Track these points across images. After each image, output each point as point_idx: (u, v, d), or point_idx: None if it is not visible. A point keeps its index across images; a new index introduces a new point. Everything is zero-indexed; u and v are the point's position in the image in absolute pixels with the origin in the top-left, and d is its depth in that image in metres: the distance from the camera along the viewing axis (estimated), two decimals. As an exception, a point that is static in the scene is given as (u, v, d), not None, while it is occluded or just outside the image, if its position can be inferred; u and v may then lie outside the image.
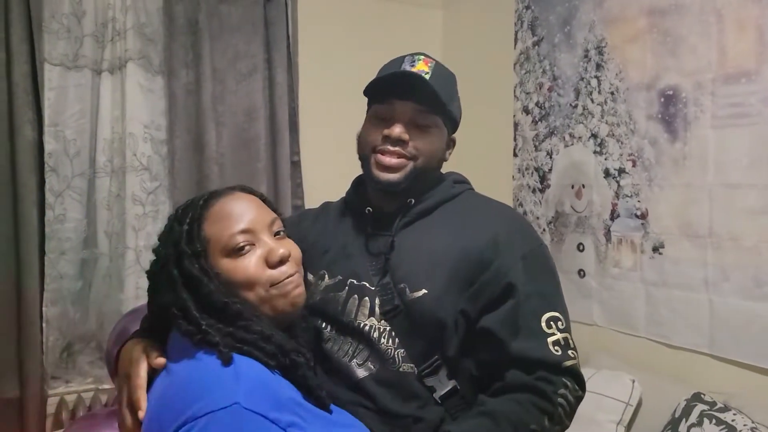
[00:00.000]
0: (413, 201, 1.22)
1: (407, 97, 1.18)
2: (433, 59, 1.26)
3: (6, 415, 2.30)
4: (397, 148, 1.18)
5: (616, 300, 2.33)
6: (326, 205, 1.41)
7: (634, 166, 2.26)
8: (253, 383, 0.85)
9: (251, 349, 0.88)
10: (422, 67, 1.20)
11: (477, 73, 3.05)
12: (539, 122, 2.68)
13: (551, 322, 1.13)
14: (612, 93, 2.34)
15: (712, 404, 1.81)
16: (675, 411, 1.88)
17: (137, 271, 2.52)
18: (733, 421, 1.71)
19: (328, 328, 1.23)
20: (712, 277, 2.00)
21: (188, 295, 0.90)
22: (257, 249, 0.95)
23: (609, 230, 2.36)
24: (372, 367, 1.16)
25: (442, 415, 1.13)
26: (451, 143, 1.29)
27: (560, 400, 1.09)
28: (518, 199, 2.79)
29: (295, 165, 2.84)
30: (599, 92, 2.39)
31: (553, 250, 2.59)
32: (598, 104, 2.40)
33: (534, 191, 2.71)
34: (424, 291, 1.14)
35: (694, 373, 2.03)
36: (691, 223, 2.07)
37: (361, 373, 1.16)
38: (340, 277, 1.23)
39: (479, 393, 1.13)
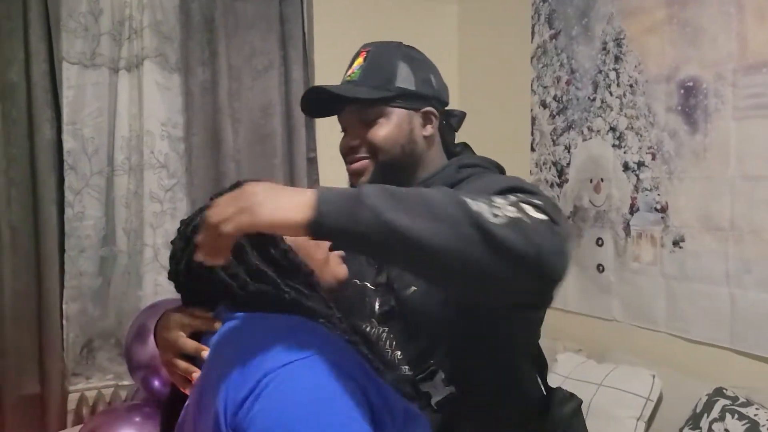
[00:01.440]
0: None
1: (342, 107, 1.17)
2: (372, 44, 1.20)
3: (28, 411, 2.33)
4: (355, 156, 1.16)
5: (636, 295, 2.31)
6: None
7: (653, 159, 2.23)
8: (326, 337, 0.85)
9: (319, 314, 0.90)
10: (358, 63, 1.17)
11: (493, 67, 3.03)
12: (557, 116, 2.66)
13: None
14: (631, 85, 2.31)
15: (734, 399, 1.79)
16: (696, 406, 1.85)
17: (155, 268, 2.53)
18: (755, 415, 1.68)
19: None
20: (733, 271, 1.97)
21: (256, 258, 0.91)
22: None
23: (628, 224, 2.33)
24: None
25: (439, 426, 1.01)
26: (428, 117, 1.17)
27: (512, 195, 0.85)
28: (536, 194, 2.77)
29: (311, 161, 2.84)
30: (618, 85, 2.36)
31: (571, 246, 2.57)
32: (616, 97, 2.37)
33: (552, 186, 2.69)
34: (413, 288, 1.07)
35: (715, 368, 2.00)
36: (711, 216, 2.04)
37: None
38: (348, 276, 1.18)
39: (497, 401, 1.05)
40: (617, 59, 2.36)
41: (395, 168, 1.13)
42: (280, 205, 0.75)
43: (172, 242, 0.98)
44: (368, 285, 1.13)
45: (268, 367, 0.79)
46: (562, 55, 2.62)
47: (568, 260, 0.80)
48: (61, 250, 2.40)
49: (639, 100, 2.28)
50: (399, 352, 1.07)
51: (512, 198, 0.81)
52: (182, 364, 0.93)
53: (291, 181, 2.78)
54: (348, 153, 1.17)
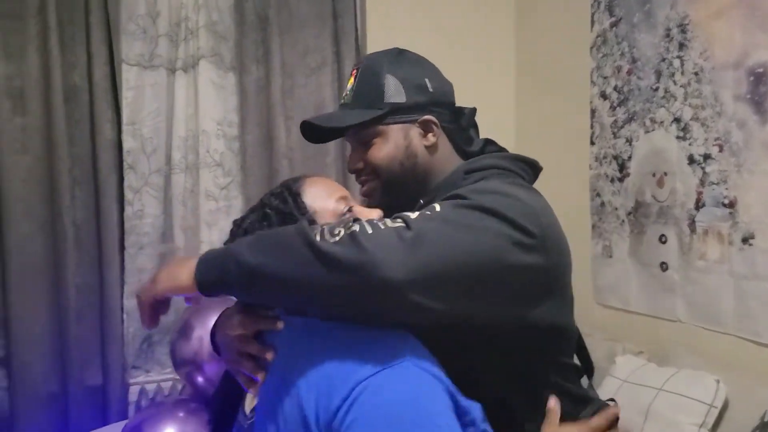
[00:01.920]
0: (422, 202, 1.12)
1: (338, 135, 1.18)
2: (363, 60, 1.17)
3: (90, 402, 2.43)
4: (361, 177, 1.16)
5: (702, 294, 2.18)
6: None
7: (720, 151, 2.10)
8: (414, 342, 0.85)
9: None
10: (350, 83, 1.16)
11: (551, 58, 2.94)
12: (618, 108, 2.54)
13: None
14: (696, 73, 2.18)
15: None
16: (765, 414, 1.73)
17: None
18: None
19: None
20: (809, 271, 1.84)
21: None
22: (354, 214, 1.00)
23: (694, 220, 2.21)
24: None
25: None
26: (427, 126, 1.12)
27: (352, 224, 0.87)
28: (595, 190, 2.67)
29: (365, 158, 2.83)
30: (682, 73, 2.24)
31: (632, 242, 2.46)
32: (681, 86, 2.25)
33: (612, 181, 2.58)
34: None
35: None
36: (784, 212, 1.90)
37: None
38: None
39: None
40: (681, 46, 2.24)
41: (400, 184, 1.11)
42: (174, 275, 0.90)
43: (225, 243, 0.98)
44: None
45: (360, 376, 0.79)
46: (623, 43, 2.51)
47: (408, 264, 0.81)
48: (122, 247, 2.48)
49: (705, 88, 2.15)
50: None
51: (373, 220, 0.87)
52: (249, 364, 0.95)
53: (344, 178, 2.78)
54: (355, 174, 1.17)
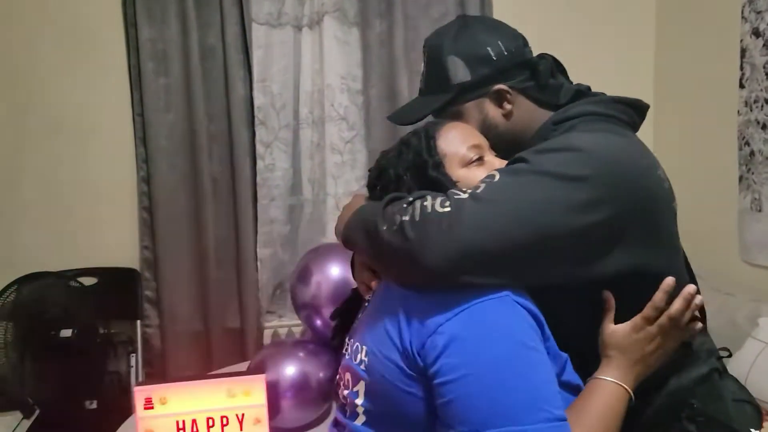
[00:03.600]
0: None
1: (421, 119, 1.20)
2: (427, 42, 1.19)
3: (229, 343, 2.62)
4: None
5: None
6: None
7: None
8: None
9: None
10: (423, 68, 1.19)
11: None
12: (773, 45, 2.28)
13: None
14: None
15: None
16: None
17: (337, 216, 2.66)
18: None
19: None
20: None
21: None
22: (484, 164, 1.04)
23: None
24: None
25: None
26: (499, 96, 1.11)
27: (416, 201, 0.92)
28: (744, 137, 2.43)
29: (488, 108, 2.76)
30: None
31: (786, 195, 2.23)
32: None
33: (764, 127, 2.33)
34: None
35: None
36: None
37: None
38: None
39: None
40: None
41: (496, 151, 1.09)
42: (338, 225, 1.09)
43: (369, 170, 1.13)
44: None
45: (463, 301, 0.86)
46: (781, -29, 2.23)
47: (446, 251, 0.85)
48: (254, 199, 2.62)
49: None
50: None
51: (431, 196, 0.91)
52: (366, 273, 1.07)
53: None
54: None
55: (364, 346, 0.96)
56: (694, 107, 2.70)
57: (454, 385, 0.83)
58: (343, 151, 2.68)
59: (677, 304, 0.97)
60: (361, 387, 0.95)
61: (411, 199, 0.92)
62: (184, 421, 1.50)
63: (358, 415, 0.96)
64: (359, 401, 0.95)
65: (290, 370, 1.56)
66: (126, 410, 1.98)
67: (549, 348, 0.90)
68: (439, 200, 0.89)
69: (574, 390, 0.93)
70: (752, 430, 1.03)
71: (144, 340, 2.58)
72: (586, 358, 0.97)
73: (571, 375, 0.95)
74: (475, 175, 1.00)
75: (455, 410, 0.82)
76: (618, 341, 0.96)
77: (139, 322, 2.59)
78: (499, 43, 1.12)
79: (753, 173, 2.39)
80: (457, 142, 1.03)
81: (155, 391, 1.51)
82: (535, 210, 0.88)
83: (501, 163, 1.02)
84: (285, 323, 2.72)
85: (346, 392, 0.99)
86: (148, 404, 1.50)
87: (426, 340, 0.85)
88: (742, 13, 2.42)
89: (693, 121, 2.72)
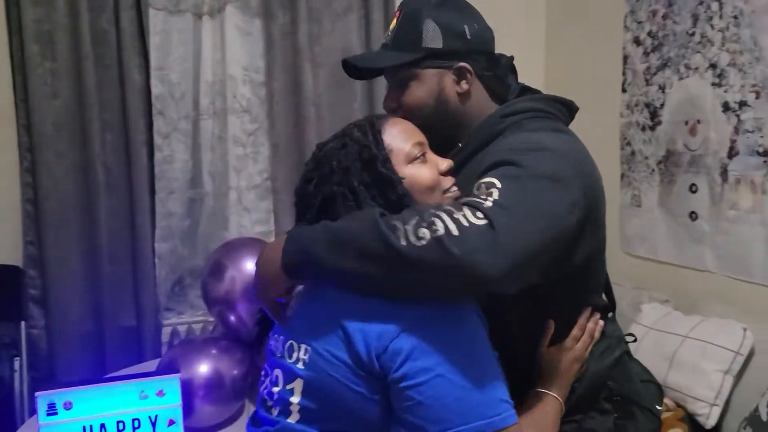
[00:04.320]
0: (460, 145, 1.15)
1: (378, 74, 1.22)
2: (407, 2, 1.17)
3: (125, 342, 2.50)
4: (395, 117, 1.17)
5: (732, 245, 2.16)
6: None
7: (757, 98, 2.05)
8: None
9: None
10: (393, 24, 1.18)
11: (583, 3, 2.86)
12: (651, 54, 2.48)
13: (482, 185, 0.95)
14: (735, 17, 2.11)
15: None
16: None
17: (239, 210, 2.62)
18: None
19: None
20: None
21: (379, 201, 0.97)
22: (426, 162, 1.04)
23: (726, 169, 2.17)
24: None
25: None
26: (461, 73, 1.13)
27: (440, 212, 0.89)
28: (626, 138, 2.63)
29: (391, 105, 2.81)
30: (720, 17, 2.17)
31: (662, 192, 2.44)
32: (718, 30, 2.18)
33: (644, 129, 2.54)
34: None
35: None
36: (821, 160, 1.86)
37: None
38: None
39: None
40: (721, -11, 2.16)
41: (430, 127, 1.11)
42: (268, 262, 0.98)
43: (306, 163, 1.07)
44: None
45: (415, 312, 0.88)
46: (660, -14, 2.43)
47: (501, 261, 0.85)
48: (152, 192, 2.51)
49: (744, 33, 2.08)
50: None
51: (450, 209, 0.89)
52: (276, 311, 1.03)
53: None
54: (389, 113, 1.19)
55: (302, 345, 0.95)
56: (580, 109, 2.87)
57: (424, 387, 0.85)
58: (245, 143, 2.63)
59: (591, 324, 1.11)
60: (297, 385, 0.94)
61: (417, 214, 0.89)
62: (91, 426, 1.42)
63: (291, 413, 0.95)
64: (294, 399, 0.94)
65: (203, 368, 1.52)
66: (8, 418, 1.84)
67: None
68: (467, 212, 0.88)
69: None
70: (657, 406, 1.14)
71: (29, 343, 2.41)
72: (527, 374, 1.07)
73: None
74: (420, 172, 1.01)
75: (426, 411, 0.85)
76: (553, 361, 1.08)
77: (23, 323, 2.41)
78: (476, 25, 1.15)
79: (633, 171, 2.59)
80: (402, 138, 1.03)
81: (59, 395, 1.42)
82: (548, 212, 0.92)
83: (443, 161, 1.05)
84: (185, 320, 2.64)
85: (275, 390, 0.98)
86: (52, 410, 1.41)
87: (388, 344, 0.87)
88: (625, 22, 2.61)
89: (579, 121, 2.89)
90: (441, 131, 1.13)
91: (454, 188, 1.04)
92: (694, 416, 1.96)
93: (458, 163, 1.11)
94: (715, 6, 2.18)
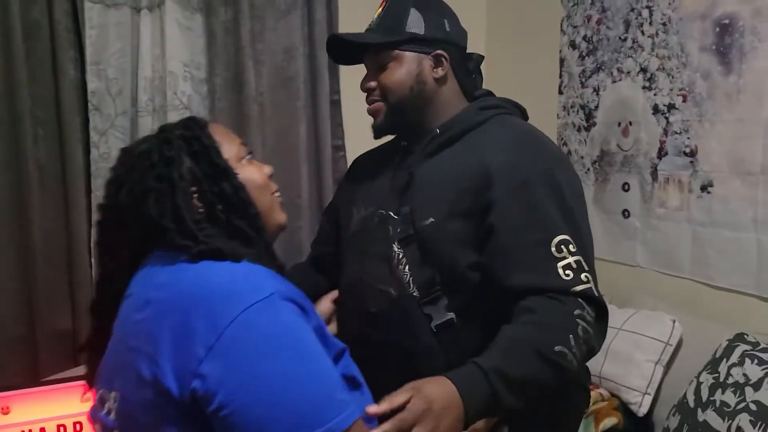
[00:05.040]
0: (438, 132, 1.23)
1: (361, 53, 1.29)
2: None
3: (60, 346, 2.41)
4: (371, 97, 1.29)
5: (661, 241, 2.27)
6: (381, 145, 1.47)
7: (684, 101, 2.16)
8: (279, 277, 0.88)
9: (261, 257, 0.92)
10: (377, 12, 1.27)
11: (522, 6, 2.93)
12: (586, 57, 2.58)
13: (561, 246, 1.08)
14: (664, 24, 2.22)
15: (755, 344, 1.77)
16: (716, 351, 1.84)
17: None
18: (776, 361, 1.66)
19: (357, 256, 1.30)
20: (762, 216, 1.92)
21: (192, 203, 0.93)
22: (252, 162, 1.05)
23: (656, 169, 2.28)
24: (393, 292, 1.20)
25: (432, 345, 1.17)
26: (438, 60, 1.25)
27: (579, 320, 1.03)
28: (562, 138, 2.72)
29: (335, 104, 2.81)
30: (650, 23, 2.27)
31: (596, 191, 2.53)
32: (648, 36, 2.28)
33: (579, 130, 2.63)
34: (431, 220, 1.18)
35: (738, 314, 1.97)
36: (742, 160, 1.98)
37: (376, 303, 1.23)
38: (371, 208, 1.30)
39: (493, 334, 1.10)
40: (651, -4, 2.27)
41: (405, 109, 1.24)
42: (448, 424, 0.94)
43: (112, 168, 1.00)
44: (391, 214, 1.24)
45: (227, 315, 0.79)
46: (594, -8, 2.52)
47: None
48: (88, 190, 2.44)
49: (672, 39, 2.19)
50: (411, 275, 1.18)
51: (583, 316, 1.06)
52: None
53: (314, 123, 2.76)
54: (366, 93, 1.30)
55: (112, 392, 0.88)
56: (519, 109, 2.96)
57: (243, 411, 0.77)
58: (186, 141, 2.58)
59: None
60: None
61: (570, 334, 1.04)
62: (31, 431, 1.38)
63: None
64: None
65: (147, 369, 1.48)
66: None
67: (326, 336, 0.90)
68: (590, 309, 1.08)
69: (350, 381, 0.92)
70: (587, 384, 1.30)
71: (-45, 348, 2.30)
72: None
73: (347, 367, 0.94)
74: (251, 170, 1.02)
75: None
76: None
77: (-52, 328, 2.30)
78: (453, 22, 1.28)
79: (569, 171, 2.68)
80: (228, 137, 1.04)
81: (-6, 400, 1.37)
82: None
83: (266, 166, 1.08)
84: (122, 322, 2.57)
85: None
86: (-13, 415, 1.36)
87: (196, 369, 0.78)
88: (561, 26, 2.70)
89: (518, 122, 2.99)
90: (411, 113, 1.24)
91: (278, 192, 1.08)
92: (627, 405, 2.05)
93: (436, 146, 1.22)
94: (645, 13, 2.29)
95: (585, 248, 1.12)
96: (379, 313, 1.23)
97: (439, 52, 1.24)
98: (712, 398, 1.73)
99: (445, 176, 1.20)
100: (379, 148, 1.46)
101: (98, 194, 2.46)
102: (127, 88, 2.51)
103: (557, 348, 1.01)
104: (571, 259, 1.07)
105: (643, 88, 2.31)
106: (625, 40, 2.38)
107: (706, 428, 1.69)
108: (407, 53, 1.24)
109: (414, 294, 1.18)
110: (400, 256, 1.20)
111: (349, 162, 2.81)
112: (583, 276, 1.08)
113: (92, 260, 2.45)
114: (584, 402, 1.34)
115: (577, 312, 1.04)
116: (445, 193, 1.18)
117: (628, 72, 2.37)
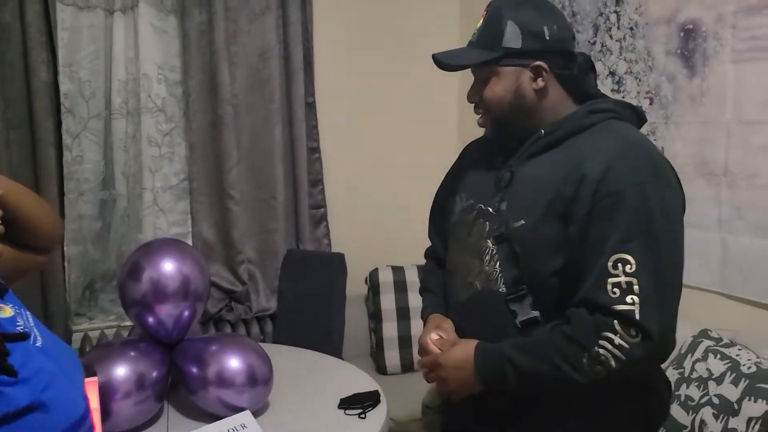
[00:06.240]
0: (543, 132, 1.25)
1: (464, 67, 1.31)
2: (493, 2, 1.29)
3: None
4: (477, 109, 1.33)
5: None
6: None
7: (651, 103, 2.21)
8: None
9: None
10: (479, 24, 1.29)
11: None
12: (556, 60, 2.62)
13: (618, 264, 1.10)
14: (631, 28, 2.27)
15: (718, 340, 1.82)
16: (681, 347, 1.89)
17: (154, 211, 2.57)
18: (737, 356, 1.71)
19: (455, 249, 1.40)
20: (725, 216, 1.98)
21: None
22: None
23: (624, 170, 2.33)
24: (478, 285, 1.29)
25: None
26: (537, 71, 1.24)
27: (602, 342, 1.10)
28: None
29: (310, 106, 2.82)
30: (618, 28, 2.32)
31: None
32: (616, 40, 2.33)
33: (550, 131, 2.67)
34: (522, 222, 1.22)
35: (702, 311, 2.02)
36: (706, 162, 2.03)
37: (465, 294, 1.33)
38: (471, 201, 1.35)
39: None
40: (618, 1, 2.32)
41: (507, 121, 1.28)
42: (462, 382, 1.27)
43: None
44: (490, 210, 1.29)
45: None
46: (564, -3, 2.57)
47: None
48: (61, 193, 2.42)
49: (639, 43, 2.24)
50: (501, 272, 1.25)
51: (609, 336, 1.10)
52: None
53: (290, 125, 2.77)
54: (474, 105, 1.34)
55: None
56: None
57: None
58: (161, 143, 2.58)
59: None
60: None
61: (584, 350, 1.12)
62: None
63: None
64: None
65: (121, 370, 1.49)
66: None
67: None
68: (622, 331, 1.11)
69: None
70: None
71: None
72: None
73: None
74: None
75: None
76: None
77: None
78: (555, 26, 1.24)
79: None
80: None
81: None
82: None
83: None
84: (96, 325, 2.56)
85: None
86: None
87: None
88: (532, 30, 2.74)
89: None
90: (514, 125, 1.28)
91: None
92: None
93: (540, 147, 1.25)
94: (613, 18, 2.34)
95: (649, 272, 1.10)
96: (467, 304, 1.32)
97: (537, 63, 1.23)
98: (677, 393, 1.78)
99: (542, 179, 1.22)
100: (489, 143, 1.46)
101: (71, 197, 2.46)
102: (101, 91, 2.51)
103: (570, 360, 1.12)
104: (622, 279, 1.10)
105: (612, 90, 2.35)
106: (594, 43, 2.43)
107: (671, 422, 1.73)
108: (506, 68, 1.25)
109: (500, 290, 1.24)
110: (494, 252, 1.26)
111: (324, 164, 2.85)
112: (628, 298, 1.09)
113: (65, 264, 2.44)
114: (660, 411, 1.34)
115: (605, 333, 1.10)
116: (540, 196, 1.21)
117: (598, 75, 2.41)
